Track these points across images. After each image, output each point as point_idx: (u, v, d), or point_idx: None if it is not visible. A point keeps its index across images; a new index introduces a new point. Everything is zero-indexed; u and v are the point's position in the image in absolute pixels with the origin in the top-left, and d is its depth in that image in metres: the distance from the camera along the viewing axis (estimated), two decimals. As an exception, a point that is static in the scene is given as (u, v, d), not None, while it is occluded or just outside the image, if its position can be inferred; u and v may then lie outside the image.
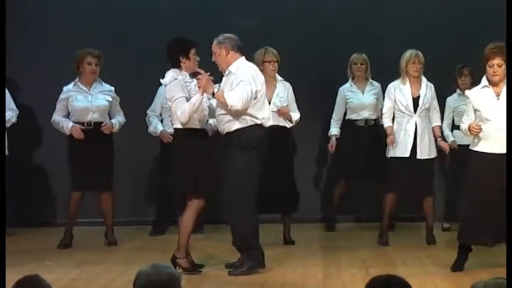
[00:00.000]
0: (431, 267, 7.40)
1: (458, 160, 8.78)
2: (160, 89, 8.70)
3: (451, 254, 7.85)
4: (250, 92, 7.00)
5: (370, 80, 9.26)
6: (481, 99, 7.09)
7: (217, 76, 7.22)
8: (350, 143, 9.22)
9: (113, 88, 8.68)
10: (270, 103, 8.06)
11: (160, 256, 7.31)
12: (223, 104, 7.01)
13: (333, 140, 9.27)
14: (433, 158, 8.58)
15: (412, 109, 8.47)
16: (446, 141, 8.84)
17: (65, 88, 8.58)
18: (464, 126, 7.20)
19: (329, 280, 6.97)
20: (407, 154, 8.43)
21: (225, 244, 7.85)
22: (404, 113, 8.50)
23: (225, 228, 7.92)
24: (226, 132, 7.15)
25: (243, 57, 7.22)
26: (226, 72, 7.16)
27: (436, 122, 8.62)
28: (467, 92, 7.43)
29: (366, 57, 9.23)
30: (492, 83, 7.07)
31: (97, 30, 9.63)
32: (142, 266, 3.66)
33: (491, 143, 7.02)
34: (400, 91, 8.51)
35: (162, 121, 9.01)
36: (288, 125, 8.53)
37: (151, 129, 9.02)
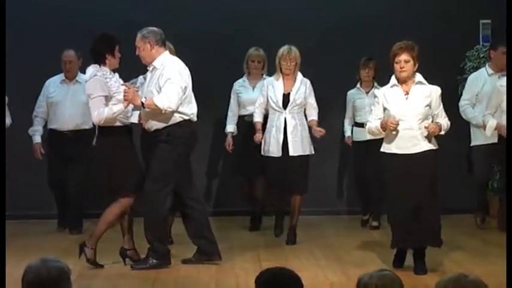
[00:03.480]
0: (323, 261, 7.50)
1: (354, 156, 9.03)
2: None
3: (344, 247, 8.04)
4: (180, 90, 6.94)
5: (265, 77, 9.30)
6: (390, 99, 6.98)
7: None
8: (238, 139, 9.21)
9: None
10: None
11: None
12: (156, 110, 6.93)
13: (229, 138, 9.26)
14: (307, 155, 8.42)
15: (281, 105, 8.41)
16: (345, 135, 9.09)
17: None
18: (371, 125, 7.05)
19: (222, 274, 7.00)
20: (279, 153, 8.35)
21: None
22: (275, 110, 8.44)
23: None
24: (155, 130, 7.08)
25: (167, 52, 7.15)
26: (151, 68, 7.09)
27: (313, 116, 8.47)
28: (375, 91, 7.42)
29: (263, 54, 9.25)
30: (401, 81, 6.98)
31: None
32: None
33: (401, 143, 6.90)
34: (272, 87, 8.47)
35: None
36: None
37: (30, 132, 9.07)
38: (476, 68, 9.31)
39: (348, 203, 9.90)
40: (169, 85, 6.94)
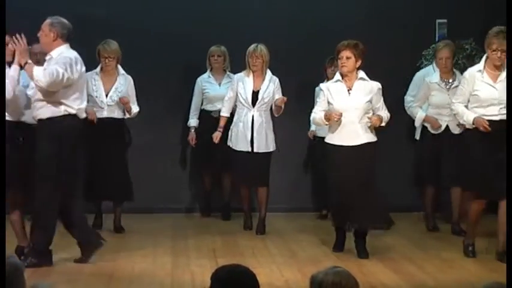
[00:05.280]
0: (278, 258, 7.53)
1: (316, 150, 9.10)
2: None
3: (298, 244, 8.08)
4: (61, 75, 6.80)
5: (228, 73, 9.33)
6: (334, 93, 7.46)
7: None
8: (204, 135, 9.26)
9: None
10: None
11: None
12: (30, 76, 6.84)
13: (192, 132, 9.37)
14: (270, 152, 8.63)
15: (250, 102, 8.57)
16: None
17: None
18: (315, 116, 7.54)
19: (178, 270, 7.00)
20: (249, 148, 8.55)
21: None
22: (244, 106, 8.60)
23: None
24: (38, 119, 6.98)
25: (67, 45, 7.04)
26: (48, 57, 7.02)
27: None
28: (321, 84, 7.74)
29: (224, 49, 9.31)
30: (343, 77, 7.46)
31: None
32: None
33: (343, 136, 7.39)
34: (242, 83, 8.61)
35: None
36: (125, 116, 8.59)
37: None
38: (427, 67, 9.39)
39: (303, 199, 9.93)
40: (52, 66, 6.86)
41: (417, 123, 8.76)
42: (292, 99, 9.10)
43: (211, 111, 9.32)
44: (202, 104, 9.42)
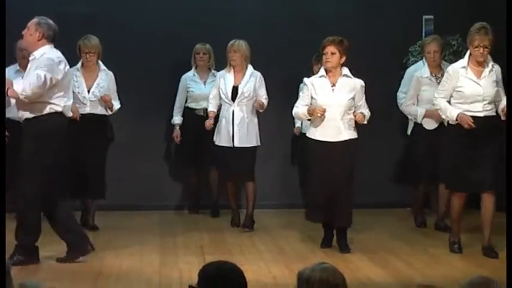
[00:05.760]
0: (266, 254, 7.54)
1: (301, 147, 9.11)
2: None
3: (285, 240, 8.09)
4: (43, 78, 6.75)
5: (213, 71, 9.33)
6: (317, 88, 7.50)
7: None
8: (189, 132, 9.29)
9: None
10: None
11: None
12: (16, 97, 6.83)
13: (177, 130, 9.40)
14: (253, 147, 8.60)
15: (230, 97, 8.58)
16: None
17: None
18: (298, 110, 7.57)
19: (166, 268, 6.99)
20: (230, 143, 8.55)
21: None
22: (225, 102, 8.63)
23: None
24: (25, 119, 6.95)
25: (52, 45, 7.00)
26: (31, 57, 6.99)
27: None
28: (305, 79, 7.69)
29: (209, 47, 9.32)
30: (327, 72, 7.49)
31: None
32: None
33: (325, 132, 7.43)
34: (224, 79, 8.65)
35: None
36: (108, 113, 8.54)
37: None
38: (417, 63, 9.40)
39: (291, 196, 9.93)
40: (33, 72, 6.82)
41: (419, 119, 8.57)
42: (279, 94, 9.12)
43: (195, 109, 9.32)
44: (186, 101, 9.41)
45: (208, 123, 8.72)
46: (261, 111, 8.64)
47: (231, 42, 8.60)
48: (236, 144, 8.54)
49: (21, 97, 6.79)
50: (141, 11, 9.80)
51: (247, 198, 8.70)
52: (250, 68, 8.64)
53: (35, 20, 7.00)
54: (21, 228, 7.00)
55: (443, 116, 7.52)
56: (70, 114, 7.23)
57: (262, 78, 8.63)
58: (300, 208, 9.55)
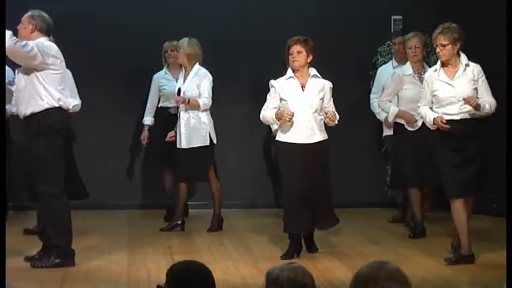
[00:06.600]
0: (234, 253, 7.54)
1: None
2: None
3: (254, 240, 8.10)
4: (31, 47, 6.65)
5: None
6: (286, 90, 7.31)
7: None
8: (161, 131, 9.21)
9: None
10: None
11: None
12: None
13: (146, 131, 9.32)
14: (202, 147, 8.48)
15: None
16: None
17: None
18: (266, 113, 7.35)
19: (134, 267, 6.97)
20: (179, 145, 8.53)
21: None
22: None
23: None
24: (25, 117, 6.91)
25: (46, 38, 6.98)
26: None
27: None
28: (272, 81, 7.47)
29: (177, 43, 9.21)
30: (295, 72, 7.32)
31: None
32: None
33: (295, 133, 7.27)
34: (177, 80, 8.70)
35: None
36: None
37: None
38: (387, 63, 9.44)
39: (261, 195, 9.94)
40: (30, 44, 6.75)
41: (390, 118, 8.41)
42: (248, 91, 9.08)
43: (168, 108, 9.23)
44: (159, 101, 9.33)
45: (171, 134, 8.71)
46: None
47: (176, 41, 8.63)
48: (183, 146, 8.49)
49: (6, 38, 6.55)
50: (114, 7, 9.77)
51: (212, 198, 8.66)
52: (196, 67, 8.53)
53: (28, 13, 6.98)
54: (52, 228, 6.88)
55: (426, 123, 7.25)
56: (70, 107, 7.20)
57: (208, 76, 8.50)
58: (269, 208, 9.58)
